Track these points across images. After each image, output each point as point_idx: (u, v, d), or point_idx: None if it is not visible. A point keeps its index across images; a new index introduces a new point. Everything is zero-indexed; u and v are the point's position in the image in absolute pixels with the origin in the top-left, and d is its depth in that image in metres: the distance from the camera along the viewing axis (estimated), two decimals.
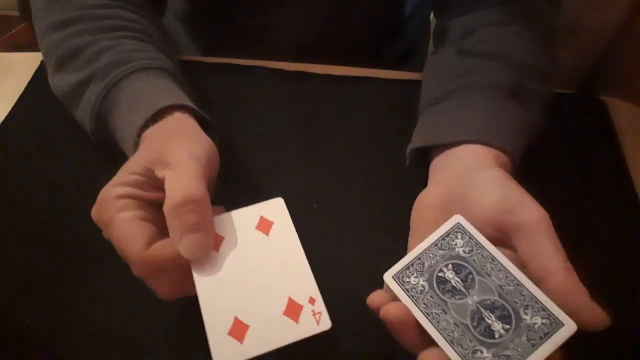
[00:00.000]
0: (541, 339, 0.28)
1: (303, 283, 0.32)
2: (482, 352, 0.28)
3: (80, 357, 0.35)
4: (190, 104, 0.39)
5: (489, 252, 0.31)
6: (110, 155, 0.45)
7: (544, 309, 0.29)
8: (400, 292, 0.31)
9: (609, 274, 0.40)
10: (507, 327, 0.29)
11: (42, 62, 0.53)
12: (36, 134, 0.48)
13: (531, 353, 0.28)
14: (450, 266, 0.31)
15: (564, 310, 0.29)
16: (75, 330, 0.36)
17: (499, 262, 0.31)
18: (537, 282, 0.30)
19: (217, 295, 0.31)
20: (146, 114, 0.37)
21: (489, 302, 0.30)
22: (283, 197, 0.36)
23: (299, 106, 0.51)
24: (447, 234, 0.32)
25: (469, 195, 0.34)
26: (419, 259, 0.32)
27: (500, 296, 0.30)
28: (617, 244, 0.42)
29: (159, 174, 0.33)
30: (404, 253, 0.35)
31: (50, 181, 0.44)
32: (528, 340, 0.28)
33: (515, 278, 0.30)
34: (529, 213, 0.31)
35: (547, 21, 0.47)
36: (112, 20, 0.44)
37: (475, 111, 0.40)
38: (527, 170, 0.46)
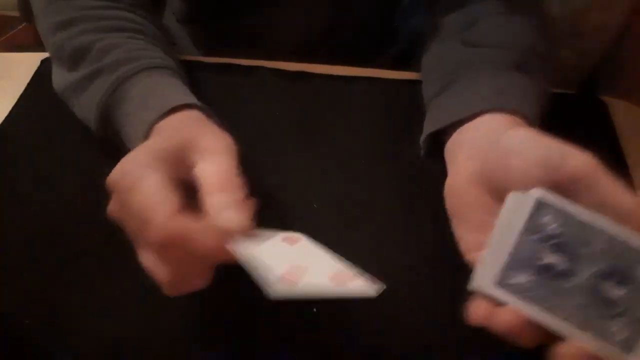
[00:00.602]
0: None
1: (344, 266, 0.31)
2: (613, 324, 0.27)
3: (81, 358, 0.35)
4: (200, 104, 0.40)
5: (581, 219, 0.28)
6: (111, 155, 0.45)
7: None
8: (509, 298, 0.28)
9: None
10: (625, 289, 0.27)
11: (42, 62, 0.53)
12: (36, 134, 0.48)
13: None
14: (549, 249, 0.28)
15: None
16: (75, 330, 0.36)
17: (593, 224, 0.28)
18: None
19: (265, 258, 0.29)
20: (160, 110, 0.37)
21: (600, 271, 0.27)
22: (283, 197, 0.36)
23: (299, 106, 0.51)
24: (531, 216, 0.28)
25: (507, 162, 0.31)
26: (514, 253, 0.28)
27: (609, 260, 0.27)
28: None
29: (192, 156, 0.33)
30: (404, 253, 0.36)
31: (50, 181, 0.44)
32: None
33: (616, 235, 0.27)
34: (579, 161, 0.29)
35: (539, 7, 0.48)
36: (114, 20, 0.44)
37: (484, 84, 0.40)
38: None
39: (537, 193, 0.28)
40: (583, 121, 0.50)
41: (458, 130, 0.39)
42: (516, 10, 0.45)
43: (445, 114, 0.41)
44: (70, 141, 0.46)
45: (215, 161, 0.32)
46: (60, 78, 0.45)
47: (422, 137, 0.43)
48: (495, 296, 0.28)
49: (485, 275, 0.29)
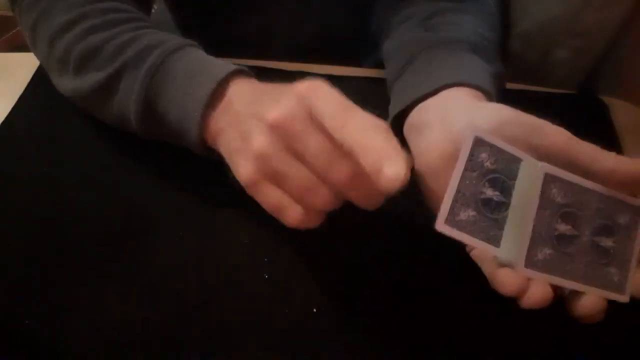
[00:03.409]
0: (634, 230, 0.32)
1: None
2: (610, 272, 0.31)
3: (80, 358, 0.35)
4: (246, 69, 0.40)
5: (580, 185, 0.31)
6: (111, 156, 0.45)
7: (626, 203, 0.32)
8: (538, 275, 0.30)
9: None
10: (614, 238, 0.32)
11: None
12: (36, 134, 0.48)
13: (634, 246, 0.32)
14: (559, 219, 0.31)
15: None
16: (75, 330, 0.36)
17: (587, 188, 0.31)
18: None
19: None
20: (215, 79, 0.37)
21: (596, 228, 0.32)
22: None
23: None
24: (543, 191, 0.31)
25: (485, 129, 0.32)
26: (535, 231, 0.31)
27: (600, 217, 0.32)
28: None
29: (315, 103, 0.31)
30: (404, 252, 0.35)
31: (51, 181, 0.44)
32: (628, 237, 0.32)
33: (602, 194, 0.31)
34: (554, 137, 0.31)
35: (490, 6, 0.51)
36: (118, 13, 0.43)
37: (442, 61, 0.41)
38: None
39: (546, 168, 0.31)
40: (583, 121, 0.50)
41: (420, 107, 0.39)
42: (469, 6, 0.48)
43: (408, 93, 0.40)
44: (70, 141, 0.46)
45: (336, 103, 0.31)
46: (71, 83, 0.43)
47: (389, 121, 0.42)
48: (530, 276, 0.30)
49: (511, 252, 0.31)
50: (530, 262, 0.30)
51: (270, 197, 0.33)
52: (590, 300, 0.31)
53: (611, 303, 0.31)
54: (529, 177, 0.31)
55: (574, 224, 0.31)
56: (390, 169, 0.26)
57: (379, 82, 0.53)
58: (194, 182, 0.43)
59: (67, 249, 0.40)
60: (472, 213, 0.30)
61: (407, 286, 0.38)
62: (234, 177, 0.36)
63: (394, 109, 0.42)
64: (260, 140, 0.32)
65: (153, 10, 0.69)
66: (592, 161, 0.30)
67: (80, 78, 0.42)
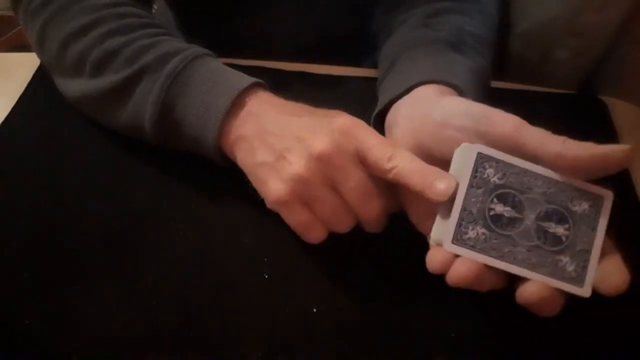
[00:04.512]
0: (594, 219, 0.31)
1: None
2: (561, 260, 0.30)
3: (81, 358, 0.35)
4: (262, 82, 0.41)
5: (520, 167, 0.31)
6: (111, 156, 0.45)
7: (584, 191, 0.31)
8: (466, 252, 0.31)
9: None
10: (567, 225, 0.31)
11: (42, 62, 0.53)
12: (36, 134, 0.48)
13: (595, 237, 0.31)
14: (496, 199, 0.31)
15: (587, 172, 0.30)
16: (75, 330, 0.36)
17: (531, 171, 0.31)
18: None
19: None
20: (237, 88, 0.38)
21: (542, 213, 0.31)
22: None
23: None
24: (476, 170, 0.31)
25: (441, 134, 0.34)
26: (465, 209, 0.31)
27: (548, 202, 0.31)
28: (617, 243, 0.42)
29: (357, 142, 0.34)
30: (404, 252, 0.35)
31: (50, 181, 0.44)
32: (587, 228, 0.31)
33: (551, 178, 0.31)
34: (504, 124, 0.32)
35: (489, 6, 0.51)
36: (135, 17, 0.43)
37: (421, 62, 0.42)
38: None
39: (479, 147, 0.31)
40: (583, 121, 0.50)
41: (394, 107, 0.40)
42: (467, 7, 0.49)
43: (386, 94, 0.42)
44: (70, 141, 0.46)
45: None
46: (83, 86, 0.43)
47: (371, 123, 0.43)
48: (457, 253, 0.31)
49: (440, 232, 0.31)
50: (458, 239, 0.31)
51: (298, 216, 0.35)
52: (533, 288, 0.30)
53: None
54: (466, 158, 0.31)
55: (513, 206, 0.31)
56: (441, 184, 0.31)
57: None
58: (194, 182, 0.43)
59: (67, 249, 0.40)
60: (481, 230, 0.31)
61: (407, 286, 0.38)
62: (253, 189, 0.38)
63: (374, 112, 0.43)
64: (301, 165, 0.34)
65: (153, 10, 0.69)
66: (540, 146, 0.30)
67: (95, 80, 0.42)
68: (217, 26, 0.61)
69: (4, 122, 0.48)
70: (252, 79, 0.40)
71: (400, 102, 0.40)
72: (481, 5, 0.50)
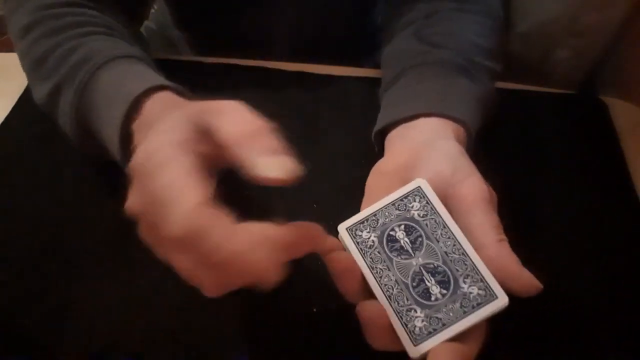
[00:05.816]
0: (473, 307, 0.29)
1: None
2: (415, 311, 0.30)
3: (81, 358, 0.35)
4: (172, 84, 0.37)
5: (442, 219, 0.32)
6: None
7: (482, 280, 0.30)
8: (350, 244, 0.32)
9: (609, 274, 0.40)
10: (444, 292, 0.30)
11: None
12: (36, 134, 0.48)
13: (461, 319, 0.29)
14: (403, 227, 0.32)
15: (499, 282, 0.30)
16: (75, 330, 0.36)
17: (450, 230, 0.31)
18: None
19: None
20: (128, 99, 0.35)
21: (431, 265, 0.31)
22: (282, 198, 0.36)
23: (299, 106, 0.50)
24: (406, 196, 0.33)
25: (423, 165, 0.35)
26: (374, 215, 0.33)
27: (444, 262, 0.31)
28: (617, 244, 0.42)
29: (211, 120, 0.29)
30: None
31: (50, 181, 0.44)
32: (461, 307, 0.29)
33: (462, 247, 0.31)
34: (471, 189, 0.32)
35: (495, 6, 0.50)
36: (73, 16, 0.42)
37: (428, 86, 0.42)
38: (527, 170, 0.46)
39: (421, 182, 0.33)
40: (583, 121, 0.50)
41: (402, 126, 0.40)
42: (470, 9, 0.48)
43: (390, 111, 0.42)
44: (70, 142, 0.46)
45: (241, 112, 0.29)
46: (33, 92, 0.43)
47: (373, 135, 0.43)
48: (343, 239, 0.32)
49: (347, 222, 0.33)
50: (352, 231, 0.32)
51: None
52: (375, 310, 0.30)
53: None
54: (409, 184, 0.33)
55: (413, 242, 0.31)
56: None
57: (379, 82, 0.53)
58: None
59: (67, 249, 0.40)
60: (373, 238, 0.32)
61: None
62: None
63: (376, 126, 0.43)
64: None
65: (153, 10, 0.69)
66: (478, 232, 0.31)
67: (34, 89, 0.42)
68: (216, 25, 0.61)
69: (4, 122, 0.48)
70: (148, 84, 0.36)
71: (405, 125, 0.40)
72: (483, 4, 0.50)
